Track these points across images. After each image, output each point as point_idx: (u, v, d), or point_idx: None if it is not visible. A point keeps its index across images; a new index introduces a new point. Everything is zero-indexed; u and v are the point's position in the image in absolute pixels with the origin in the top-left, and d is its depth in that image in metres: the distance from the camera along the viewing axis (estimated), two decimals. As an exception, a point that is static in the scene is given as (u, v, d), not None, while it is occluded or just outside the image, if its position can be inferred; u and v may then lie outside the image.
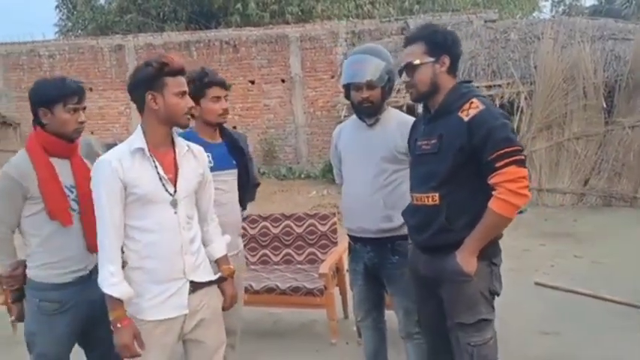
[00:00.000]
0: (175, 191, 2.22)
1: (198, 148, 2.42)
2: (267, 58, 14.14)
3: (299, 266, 4.50)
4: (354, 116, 2.99)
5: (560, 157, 9.23)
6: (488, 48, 10.44)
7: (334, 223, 4.49)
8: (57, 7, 20.72)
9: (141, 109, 2.22)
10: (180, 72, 2.21)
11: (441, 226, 2.29)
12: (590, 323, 4.19)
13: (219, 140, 2.93)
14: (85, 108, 2.50)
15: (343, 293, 4.38)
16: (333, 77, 13.54)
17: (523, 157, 2.20)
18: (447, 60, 2.37)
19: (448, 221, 2.27)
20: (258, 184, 3.36)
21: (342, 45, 13.68)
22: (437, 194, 2.31)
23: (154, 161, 2.19)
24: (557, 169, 9.24)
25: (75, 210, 2.47)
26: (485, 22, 12.20)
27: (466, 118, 2.24)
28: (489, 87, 9.63)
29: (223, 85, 2.86)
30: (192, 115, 2.27)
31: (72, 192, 2.47)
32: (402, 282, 2.80)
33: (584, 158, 9.11)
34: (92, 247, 2.41)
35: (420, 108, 10.01)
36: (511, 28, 10.90)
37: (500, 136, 2.17)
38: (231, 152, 2.94)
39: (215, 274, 2.40)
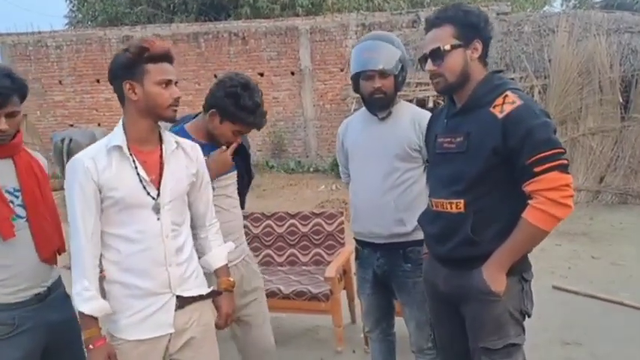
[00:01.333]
0: (158, 195, 1.98)
1: (190, 144, 2.18)
2: (277, 50, 13.95)
3: (304, 268, 4.30)
4: (362, 109, 2.78)
5: (575, 153, 8.91)
6: (501, 41, 10.14)
7: (341, 223, 4.28)
8: (67, -2, 20.65)
9: (121, 100, 1.99)
10: (164, 58, 1.95)
11: (466, 237, 2.02)
12: (614, 333, 3.96)
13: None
14: (14, 113, 2.07)
15: (350, 297, 4.18)
16: (342, 70, 13.33)
17: (566, 162, 1.91)
18: (479, 45, 2.06)
19: (474, 232, 2.01)
20: (252, 179, 3.07)
21: (353, 38, 13.44)
22: (462, 200, 2.03)
23: (133, 160, 1.96)
24: (571, 166, 8.89)
25: (22, 217, 2.12)
26: (498, 14, 11.91)
27: (500, 115, 1.96)
28: (502, 81, 9.36)
29: (257, 127, 2.50)
30: (178, 105, 1.99)
31: (16, 197, 2.13)
32: (414, 292, 2.60)
33: (600, 154, 8.81)
34: (48, 259, 2.18)
35: (430, 102, 9.80)
36: (525, 21, 10.58)
37: (540, 137, 1.89)
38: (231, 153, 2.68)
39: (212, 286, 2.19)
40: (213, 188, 2.35)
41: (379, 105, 2.64)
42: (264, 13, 15.61)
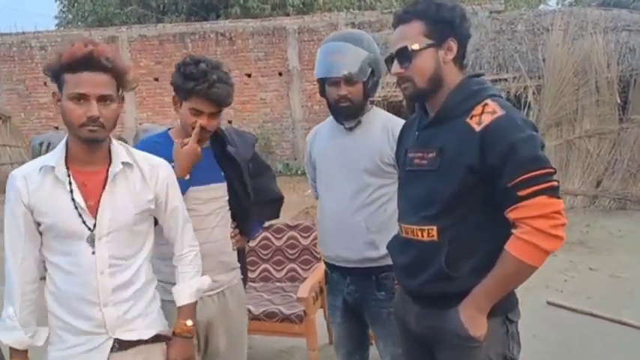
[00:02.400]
0: (95, 225, 1.71)
1: (153, 163, 1.87)
2: (264, 50, 13.73)
3: (278, 284, 3.96)
4: (331, 117, 2.44)
5: (571, 157, 8.61)
6: (494, 40, 9.83)
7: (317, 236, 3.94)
8: (57, -2, 20.47)
9: None
10: (84, 65, 1.62)
11: (440, 271, 1.69)
12: (615, 355, 3.62)
13: (206, 144, 2.26)
14: None
15: (328, 317, 3.83)
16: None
17: (556, 184, 1.58)
18: (454, 45, 1.73)
19: (449, 264, 1.67)
20: (279, 199, 2.66)
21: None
22: (434, 227, 1.71)
23: (70, 183, 1.69)
24: (567, 169, 8.63)
25: None
26: (491, 12, 11.64)
27: (478, 128, 1.63)
28: (495, 81, 9.01)
29: (214, 101, 2.13)
30: (100, 125, 1.66)
31: None
32: (389, 324, 2.25)
33: (597, 157, 8.51)
34: None
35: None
36: (518, 20, 10.28)
37: (525, 155, 1.56)
38: (220, 160, 2.30)
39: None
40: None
41: (345, 114, 2.32)
42: (254, 13, 15.36)
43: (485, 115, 1.63)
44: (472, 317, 1.65)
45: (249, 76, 13.80)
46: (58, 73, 1.65)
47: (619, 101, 8.45)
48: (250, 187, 2.36)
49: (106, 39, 14.17)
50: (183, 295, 1.94)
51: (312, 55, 13.27)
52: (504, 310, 1.71)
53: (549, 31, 9.23)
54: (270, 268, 4.02)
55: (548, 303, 4.47)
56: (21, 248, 1.71)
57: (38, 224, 1.71)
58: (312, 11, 15.36)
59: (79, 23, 19.78)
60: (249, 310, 3.42)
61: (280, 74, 13.69)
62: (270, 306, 3.50)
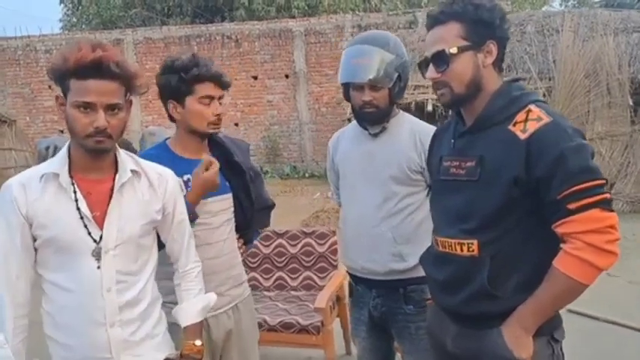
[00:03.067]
0: (102, 237, 1.59)
1: (159, 172, 1.78)
2: (271, 52, 13.66)
3: (293, 293, 3.87)
4: (355, 121, 2.35)
5: (583, 159, 8.56)
6: (504, 41, 9.78)
7: (334, 243, 3.85)
8: (61, 2, 20.47)
9: None
10: (92, 72, 1.50)
11: (481, 289, 1.59)
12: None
13: (206, 154, 2.17)
14: None
15: (345, 326, 3.74)
16: (338, 73, 13.00)
17: (609, 196, 1.49)
18: (493, 48, 1.63)
19: (492, 282, 1.58)
20: (272, 206, 2.58)
21: (348, 39, 13.07)
22: (475, 241, 1.60)
23: (74, 192, 1.58)
24: (579, 172, 8.58)
25: None
26: (500, 14, 11.54)
27: (523, 136, 1.53)
28: (505, 83, 8.98)
29: (220, 82, 2.09)
30: (107, 135, 1.56)
31: None
32: (417, 339, 2.18)
33: (609, 160, 8.41)
34: None
35: (429, 106, 9.41)
36: (527, 21, 10.19)
37: (575, 165, 1.47)
38: (224, 170, 2.16)
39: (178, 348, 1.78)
40: (195, 216, 1.96)
41: (370, 120, 2.22)
42: (259, 16, 15.29)
43: (530, 122, 1.54)
44: (517, 338, 1.55)
45: (255, 78, 13.73)
46: (63, 77, 1.54)
47: (631, 103, 8.38)
48: (254, 196, 2.29)
49: (111, 41, 14.11)
50: (189, 314, 1.83)
51: (319, 57, 13.34)
52: (550, 329, 1.61)
53: (559, 33, 9.15)
54: (285, 276, 3.93)
55: (569, 311, 4.37)
56: (15, 265, 1.56)
57: (34, 239, 1.58)
58: (316, 14, 15.29)
59: (84, 26, 19.78)
60: (265, 321, 3.35)
61: (287, 76, 13.61)
62: (287, 316, 3.42)
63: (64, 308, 1.59)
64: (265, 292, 3.91)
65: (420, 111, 8.58)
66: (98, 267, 1.59)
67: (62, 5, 20.66)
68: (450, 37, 1.62)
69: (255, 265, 3.97)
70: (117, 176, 1.64)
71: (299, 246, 3.93)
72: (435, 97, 9.29)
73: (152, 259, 1.76)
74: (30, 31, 14.92)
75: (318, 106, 13.58)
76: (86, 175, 1.61)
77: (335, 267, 3.84)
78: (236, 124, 13.63)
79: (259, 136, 13.48)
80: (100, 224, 1.60)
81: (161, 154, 2.07)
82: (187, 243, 1.85)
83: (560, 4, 24.55)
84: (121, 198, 1.64)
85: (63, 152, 1.63)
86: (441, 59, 1.64)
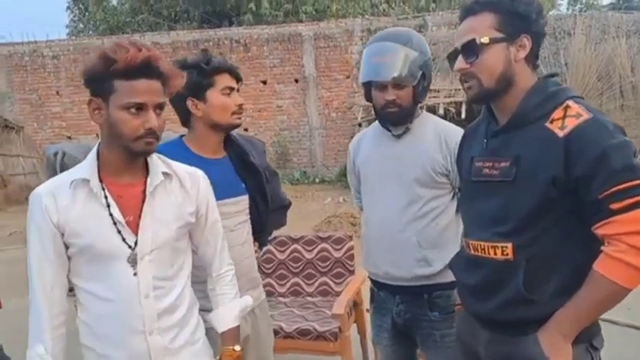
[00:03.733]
0: (137, 242, 1.55)
1: (190, 172, 1.72)
2: (280, 57, 13.64)
3: (309, 299, 3.79)
4: (376, 123, 2.28)
5: (595, 163, 8.50)
6: (515, 44, 9.73)
7: (350, 248, 3.77)
8: (68, 8, 20.60)
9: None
10: (140, 72, 1.48)
11: (517, 294, 1.51)
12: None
13: (222, 155, 2.14)
14: None
15: (362, 332, 3.67)
16: (348, 77, 12.99)
17: None
18: (527, 42, 1.55)
19: (528, 286, 1.50)
20: (288, 206, 2.53)
21: (358, 43, 13.08)
22: (509, 244, 1.53)
23: (105, 197, 1.53)
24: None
25: None
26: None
27: (561, 133, 1.45)
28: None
29: (236, 74, 2.09)
30: (156, 137, 1.55)
31: None
32: (443, 346, 2.12)
33: (623, 164, 8.37)
34: None
35: (440, 109, 9.35)
36: (538, 24, 10.15)
37: (618, 163, 1.39)
38: (239, 171, 2.15)
39: (216, 355, 1.74)
40: None
41: (393, 120, 2.15)
42: (267, 20, 15.28)
43: (568, 119, 1.46)
44: (555, 345, 1.48)
45: (264, 83, 13.71)
46: (104, 79, 1.48)
47: (645, 106, 8.31)
48: (269, 197, 2.24)
49: (119, 47, 14.15)
50: (227, 319, 1.78)
51: (329, 61, 13.31)
52: (589, 336, 1.54)
53: (571, 36, 9.10)
54: (301, 282, 3.86)
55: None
56: (50, 275, 1.53)
57: (66, 247, 1.55)
58: (325, 18, 15.26)
59: (91, 32, 19.86)
60: (281, 328, 3.29)
61: (296, 81, 13.59)
62: (304, 323, 3.35)
63: (102, 317, 1.56)
64: (280, 299, 3.84)
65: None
66: (134, 273, 1.55)
67: (69, 11, 20.77)
68: (482, 27, 1.56)
69: (270, 270, 3.91)
70: (148, 179, 1.60)
71: (315, 251, 3.85)
72: (446, 100, 9.29)
73: (187, 263, 1.71)
74: (37, 37, 14.95)
75: (328, 111, 13.54)
76: (116, 180, 1.57)
77: (351, 272, 3.77)
78: (245, 129, 13.59)
79: (269, 141, 13.46)
80: (134, 229, 1.56)
81: (178, 151, 1.99)
82: (221, 246, 1.81)
83: (568, 8, 24.47)
84: (153, 201, 1.60)
85: (92, 157, 1.58)
86: (470, 49, 1.57)
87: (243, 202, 2.14)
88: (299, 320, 3.41)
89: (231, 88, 2.05)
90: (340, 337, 3.23)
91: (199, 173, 1.76)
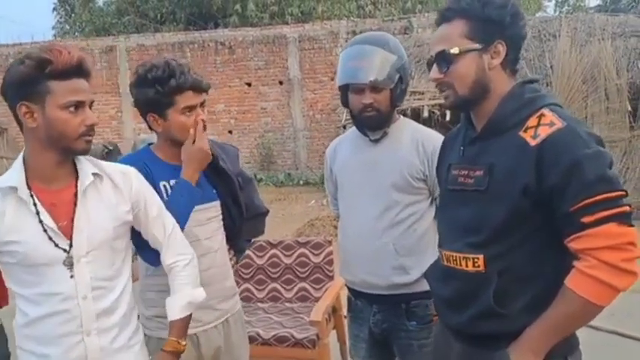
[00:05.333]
0: (71, 245, 1.55)
1: (122, 170, 1.71)
2: (265, 59, 13.55)
3: (287, 304, 3.73)
4: (353, 128, 2.23)
5: (580, 165, 8.49)
6: (500, 47, 9.72)
7: (329, 253, 3.73)
8: (54, 9, 20.40)
9: (19, 125, 1.54)
10: (74, 72, 1.51)
11: (488, 308, 1.46)
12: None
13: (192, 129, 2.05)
14: None
15: (341, 339, 3.60)
16: (333, 79, 12.90)
17: (628, 209, 1.35)
18: (502, 48, 1.51)
19: (499, 300, 1.45)
20: (265, 213, 2.44)
21: (343, 45, 12.97)
22: (481, 256, 1.48)
23: (34, 204, 1.53)
24: (577, 178, 8.50)
25: None
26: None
27: (534, 142, 1.41)
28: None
29: (200, 88, 1.96)
30: (93, 134, 1.58)
31: None
32: (420, 357, 2.07)
33: (607, 166, 8.36)
34: None
35: (424, 112, 9.34)
36: (523, 26, 10.16)
37: (591, 174, 1.34)
38: (209, 177, 2.08)
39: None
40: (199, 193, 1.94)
41: (371, 124, 2.11)
42: (253, 22, 15.21)
43: (542, 128, 1.42)
44: None
45: (249, 85, 13.62)
46: (38, 81, 1.48)
47: (629, 109, 8.28)
48: (243, 204, 2.17)
49: (103, 48, 14.04)
50: (174, 309, 1.75)
51: (313, 63, 13.24)
52: (564, 352, 1.48)
53: (556, 38, 9.09)
54: (280, 288, 3.79)
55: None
56: None
57: None
58: (310, 20, 15.22)
59: (77, 33, 19.67)
60: (259, 334, 3.22)
61: (281, 83, 13.50)
62: (281, 329, 3.28)
63: (39, 319, 1.55)
64: (259, 304, 3.77)
65: (415, 117, 8.48)
66: (72, 276, 1.55)
67: (55, 12, 20.56)
68: (453, 36, 1.52)
69: (248, 276, 3.84)
70: (78, 182, 1.59)
71: (294, 256, 3.80)
72: (431, 103, 9.25)
73: (127, 263, 1.71)
74: (22, 39, 14.78)
75: (313, 112, 13.47)
76: (47, 186, 1.56)
77: (331, 278, 3.72)
78: (230, 132, 13.50)
79: (253, 143, 13.38)
80: (68, 233, 1.55)
81: (146, 159, 1.98)
82: (168, 237, 1.77)
83: (555, 10, 24.62)
84: (86, 203, 1.59)
85: (18, 164, 1.56)
86: (443, 59, 1.54)
87: (214, 208, 2.08)
88: (277, 327, 3.35)
89: (192, 107, 1.94)
90: (318, 344, 3.18)
91: (132, 170, 1.74)
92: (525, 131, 1.44)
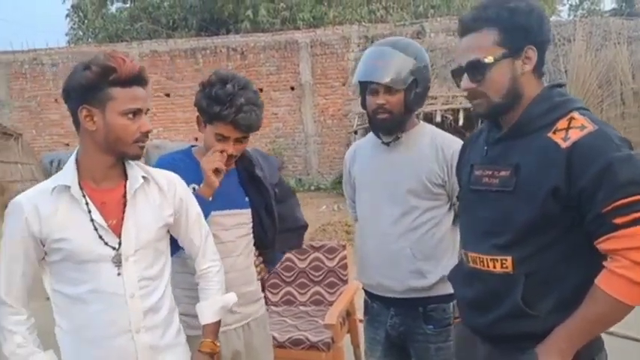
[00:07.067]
0: (120, 244, 1.62)
1: (169, 177, 1.79)
2: (276, 64, 13.59)
3: (302, 308, 3.76)
4: (372, 133, 2.25)
5: (595, 171, 8.43)
6: (513, 51, 9.68)
7: (343, 257, 3.74)
8: (67, 15, 20.60)
9: (76, 126, 1.63)
10: (135, 80, 1.60)
11: (516, 308, 1.48)
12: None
13: (231, 167, 2.10)
14: None
15: (355, 343, 3.62)
16: (344, 84, 12.94)
17: None
18: (532, 54, 1.52)
19: (527, 301, 1.46)
20: (303, 227, 2.47)
21: (355, 50, 13.03)
22: (509, 257, 1.49)
23: (86, 203, 1.60)
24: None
25: None
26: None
27: (564, 144, 1.42)
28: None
29: (242, 127, 1.97)
30: (147, 140, 1.66)
31: None
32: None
33: (622, 171, 8.30)
34: None
35: (437, 117, 9.31)
36: (537, 31, 10.11)
37: (624, 176, 1.35)
38: (245, 184, 2.13)
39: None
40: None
41: (383, 126, 2.13)
42: (264, 28, 15.27)
43: (573, 131, 1.43)
44: None
45: (260, 90, 13.58)
46: (98, 87, 1.56)
47: (645, 113, 8.25)
48: (276, 215, 2.19)
49: (117, 55, 14.13)
50: (206, 314, 1.85)
51: (325, 68, 13.26)
52: (590, 353, 1.49)
53: (571, 42, 9.05)
54: (294, 292, 3.82)
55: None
56: (19, 277, 1.60)
57: (45, 254, 1.61)
58: (322, 25, 15.25)
59: (90, 40, 19.85)
60: (274, 337, 3.21)
61: (292, 88, 13.53)
62: (296, 332, 3.30)
63: (87, 320, 1.60)
64: (273, 308, 3.79)
65: (427, 122, 8.46)
66: (119, 274, 1.61)
67: (68, 19, 20.77)
68: (485, 45, 1.53)
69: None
70: (128, 183, 1.67)
71: (308, 260, 3.82)
72: (443, 107, 9.23)
73: (168, 264, 1.78)
74: (36, 45, 14.93)
75: (324, 118, 13.48)
76: (98, 185, 1.64)
77: (345, 282, 3.74)
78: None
79: (264, 148, 13.36)
80: (117, 232, 1.62)
81: (184, 158, 2.09)
82: (204, 243, 1.86)
83: (569, 14, 24.46)
84: (135, 204, 1.67)
85: (71, 164, 1.64)
86: (476, 69, 1.54)
87: (243, 215, 2.11)
88: (292, 330, 3.37)
89: (226, 138, 2.00)
90: (333, 347, 3.20)
91: (176, 177, 1.82)
92: (555, 133, 1.45)
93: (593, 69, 8.42)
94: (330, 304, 3.54)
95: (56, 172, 5.89)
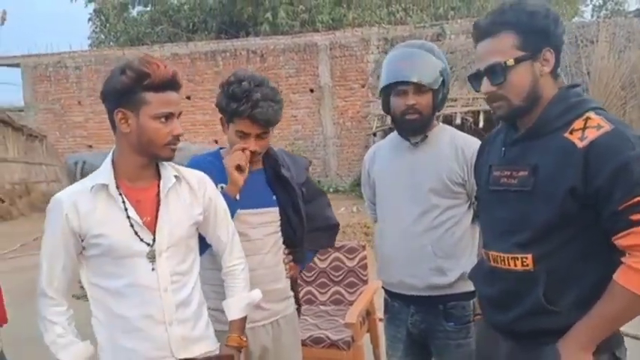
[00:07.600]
0: (154, 240, 1.69)
1: (199, 177, 1.85)
2: (296, 67, 13.68)
3: (322, 307, 3.78)
4: (392, 133, 2.27)
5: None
6: (534, 53, 9.61)
7: (363, 258, 3.76)
8: (89, 19, 20.89)
9: (113, 127, 1.70)
10: (168, 85, 1.65)
11: (537, 305, 1.50)
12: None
13: (257, 167, 2.15)
14: None
15: (375, 342, 3.63)
16: (364, 86, 12.96)
17: None
18: (550, 56, 1.55)
19: (548, 297, 1.49)
20: (334, 226, 2.50)
21: (374, 52, 13.06)
22: (529, 255, 1.52)
23: (123, 201, 1.68)
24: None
25: None
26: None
27: (581, 144, 1.44)
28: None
29: (260, 122, 2.00)
30: (178, 143, 1.71)
31: None
32: (457, 357, 2.09)
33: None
34: None
35: (457, 119, 9.26)
36: (559, 32, 10.02)
37: (639, 175, 1.38)
38: (272, 184, 2.16)
39: None
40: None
41: (412, 127, 2.14)
42: (283, 30, 15.34)
43: (589, 130, 1.45)
44: (574, 356, 1.46)
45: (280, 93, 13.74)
46: (135, 91, 1.61)
47: (669, 114, 8.14)
48: (304, 214, 2.21)
49: (139, 58, 14.31)
50: (233, 310, 1.90)
51: (344, 70, 13.30)
52: (610, 347, 1.51)
53: (593, 43, 8.97)
54: (314, 291, 3.85)
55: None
56: (59, 271, 1.67)
57: (83, 249, 1.68)
58: (341, 27, 15.28)
59: (111, 43, 20.11)
60: (295, 336, 3.25)
61: (312, 91, 13.60)
62: (317, 331, 3.33)
63: (124, 312, 1.67)
64: (294, 307, 3.81)
65: (448, 125, 8.45)
66: (153, 269, 1.68)
67: (90, 23, 21.06)
68: (504, 48, 1.55)
69: (283, 279, 3.88)
70: (161, 183, 1.74)
71: (328, 260, 3.84)
72: (463, 110, 9.20)
73: (197, 260, 1.84)
74: (60, 48, 15.19)
75: (343, 120, 13.52)
76: (133, 184, 1.71)
77: (365, 282, 3.76)
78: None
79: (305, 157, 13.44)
80: (152, 228, 1.69)
81: (213, 160, 2.13)
82: (231, 240, 1.92)
83: (592, 15, 24.15)
84: (168, 203, 1.73)
85: (107, 164, 1.70)
86: (496, 72, 1.56)
87: (271, 214, 2.15)
88: (312, 328, 3.40)
89: (247, 134, 2.04)
90: (353, 346, 3.22)
91: (206, 177, 1.88)
92: (571, 133, 1.48)
93: (616, 71, 8.33)
94: (350, 303, 3.56)
95: (81, 172, 6.04)
